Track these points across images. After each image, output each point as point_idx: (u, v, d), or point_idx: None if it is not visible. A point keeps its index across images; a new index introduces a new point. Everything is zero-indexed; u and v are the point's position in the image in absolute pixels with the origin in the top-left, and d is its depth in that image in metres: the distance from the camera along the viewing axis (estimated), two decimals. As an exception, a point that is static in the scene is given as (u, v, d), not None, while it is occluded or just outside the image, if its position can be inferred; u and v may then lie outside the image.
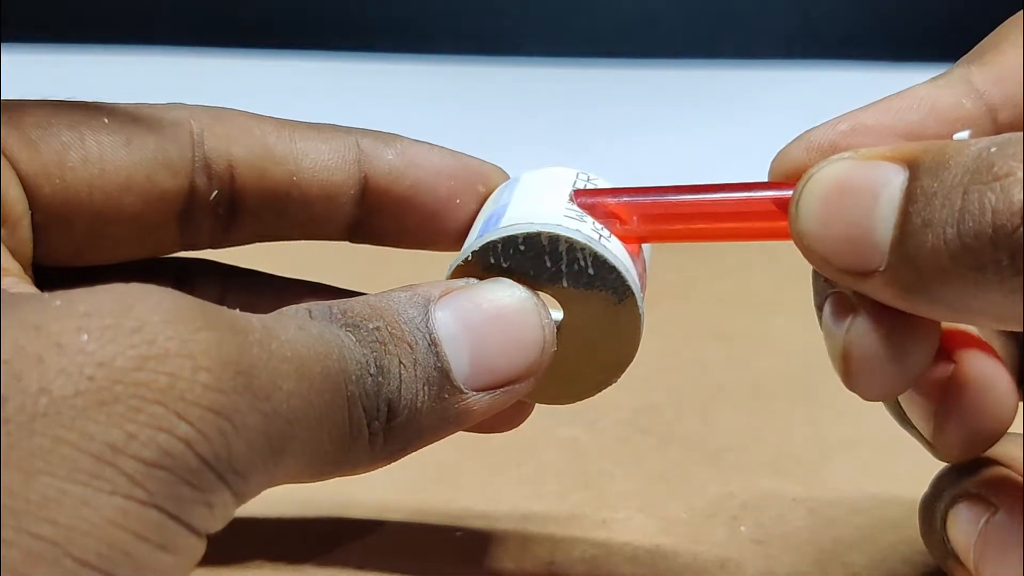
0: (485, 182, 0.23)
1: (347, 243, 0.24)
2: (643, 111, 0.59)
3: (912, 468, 0.30)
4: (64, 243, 0.21)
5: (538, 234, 0.19)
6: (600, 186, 0.22)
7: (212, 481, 0.16)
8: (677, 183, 0.21)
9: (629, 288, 0.20)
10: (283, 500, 0.28)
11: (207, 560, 0.19)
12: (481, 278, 0.20)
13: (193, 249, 0.23)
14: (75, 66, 0.60)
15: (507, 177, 0.23)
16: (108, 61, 0.61)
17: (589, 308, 0.20)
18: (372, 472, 0.29)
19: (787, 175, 0.21)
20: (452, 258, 0.22)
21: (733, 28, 0.67)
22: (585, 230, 0.20)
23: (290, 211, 0.22)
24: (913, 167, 0.18)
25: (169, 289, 0.16)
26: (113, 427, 0.15)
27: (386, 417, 0.18)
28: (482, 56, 0.63)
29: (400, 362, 0.18)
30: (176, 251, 0.23)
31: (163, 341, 0.15)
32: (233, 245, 0.23)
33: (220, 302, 0.23)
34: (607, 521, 0.27)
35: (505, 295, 0.20)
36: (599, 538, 0.27)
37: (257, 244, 0.24)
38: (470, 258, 0.20)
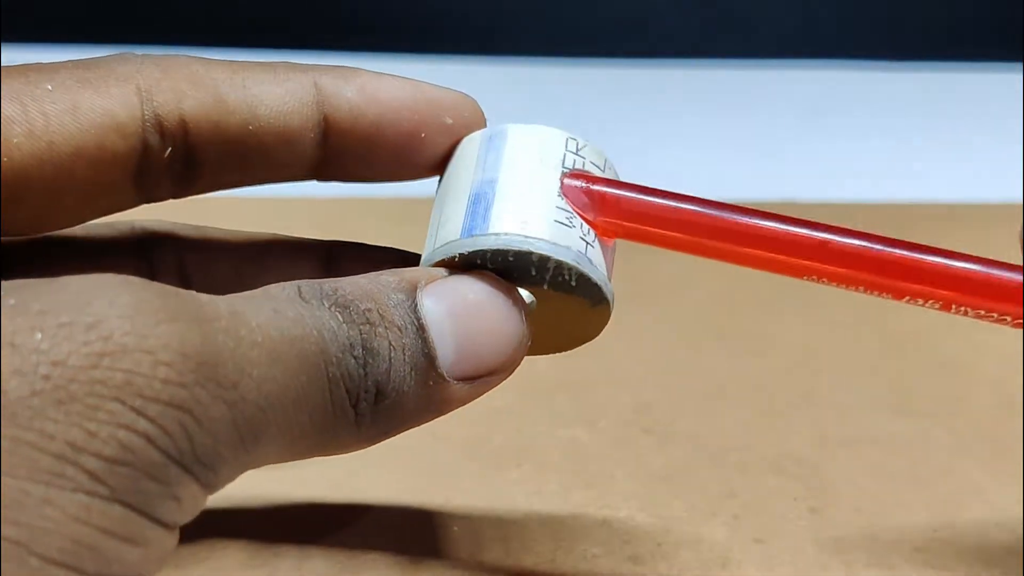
0: (452, 114, 0.22)
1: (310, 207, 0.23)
2: (643, 111, 0.59)
3: (912, 467, 0.30)
4: (18, 218, 0.21)
5: (530, 253, 0.20)
6: (588, 157, 0.21)
7: (177, 474, 0.16)
8: (668, 189, 0.21)
9: (605, 298, 0.20)
10: (281, 500, 0.28)
11: (208, 564, 0.19)
12: (462, 270, 0.20)
13: (154, 202, 0.22)
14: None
15: (475, 105, 0.23)
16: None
17: (562, 304, 0.21)
18: (372, 470, 0.29)
19: None
20: (419, 194, 0.21)
21: (733, 28, 0.67)
22: (574, 244, 0.20)
23: (248, 160, 0.22)
24: None
25: (130, 280, 0.16)
26: (72, 425, 0.15)
27: (374, 399, 0.18)
28: (482, 56, 0.64)
29: (390, 344, 0.18)
30: (136, 206, 0.22)
31: (119, 337, 0.15)
32: (195, 194, 0.23)
33: (180, 267, 0.23)
34: (608, 520, 0.27)
35: (490, 288, 0.20)
36: (600, 537, 0.27)
37: (219, 209, 0.23)
38: (456, 259, 0.20)
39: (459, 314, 0.19)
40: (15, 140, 0.20)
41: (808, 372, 0.34)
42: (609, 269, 0.21)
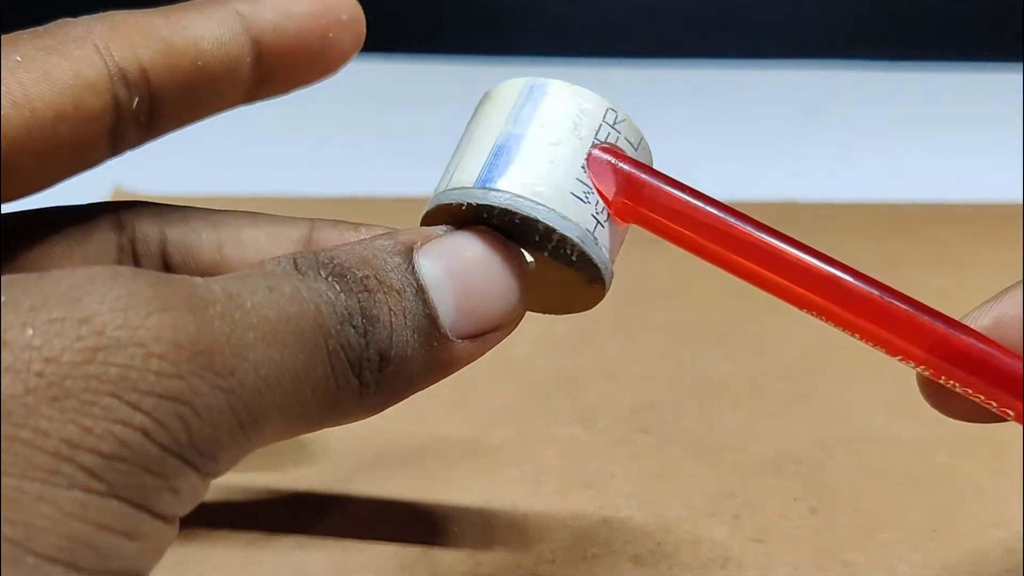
0: (344, 9, 0.23)
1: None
2: (643, 111, 0.59)
3: (912, 467, 0.30)
4: (11, 186, 0.21)
5: (536, 220, 0.19)
6: (624, 132, 0.21)
7: (176, 466, 0.16)
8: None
9: (602, 279, 0.20)
10: (280, 499, 0.28)
11: (209, 563, 0.19)
12: (464, 221, 0.20)
13: (121, 154, 0.23)
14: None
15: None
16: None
17: (560, 273, 0.20)
18: (372, 470, 0.29)
19: None
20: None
21: (733, 28, 0.67)
22: (584, 220, 0.20)
23: (200, 95, 0.23)
24: None
25: (121, 271, 0.16)
26: (67, 422, 0.15)
27: (377, 366, 0.18)
28: (482, 56, 0.64)
29: (390, 310, 0.18)
30: (107, 160, 0.23)
31: (112, 331, 0.15)
32: (154, 138, 0.23)
33: (161, 243, 0.24)
34: (608, 520, 0.27)
35: (488, 246, 0.20)
36: (600, 537, 0.27)
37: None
38: (464, 207, 0.20)
39: (457, 272, 0.19)
40: (3, 112, 0.20)
41: (808, 372, 0.34)
42: (614, 251, 0.21)
